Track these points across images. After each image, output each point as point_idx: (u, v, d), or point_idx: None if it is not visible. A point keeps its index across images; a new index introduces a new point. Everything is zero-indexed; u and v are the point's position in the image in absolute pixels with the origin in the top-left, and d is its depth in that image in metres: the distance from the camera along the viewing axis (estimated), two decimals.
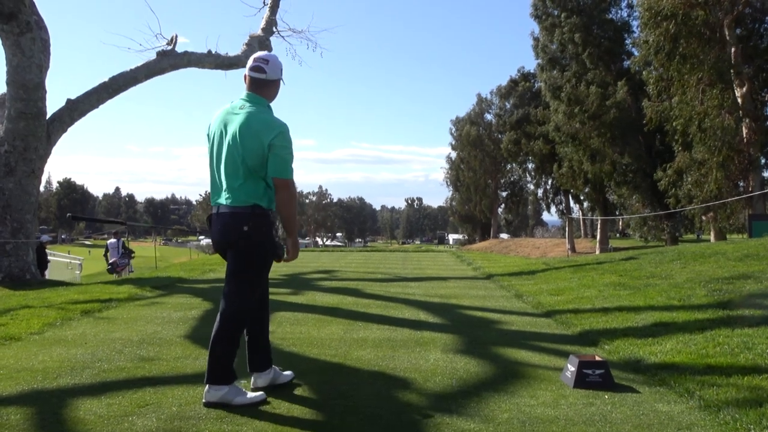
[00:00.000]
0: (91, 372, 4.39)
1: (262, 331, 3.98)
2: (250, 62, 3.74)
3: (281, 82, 3.82)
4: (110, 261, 19.06)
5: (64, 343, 5.40)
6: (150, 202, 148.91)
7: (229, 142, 3.62)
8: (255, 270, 3.72)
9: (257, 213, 3.61)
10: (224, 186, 3.65)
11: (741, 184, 25.22)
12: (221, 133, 3.69)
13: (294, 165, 3.71)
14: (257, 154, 3.55)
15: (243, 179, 3.59)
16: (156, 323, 6.39)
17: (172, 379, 4.24)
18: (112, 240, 19.58)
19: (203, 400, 3.63)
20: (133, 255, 20.02)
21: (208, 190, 3.86)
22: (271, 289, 9.74)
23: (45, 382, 4.14)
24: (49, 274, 17.56)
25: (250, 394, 3.71)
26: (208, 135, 3.81)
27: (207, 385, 3.62)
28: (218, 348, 3.63)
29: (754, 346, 4.68)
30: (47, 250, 17.89)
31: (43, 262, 17.10)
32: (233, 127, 3.62)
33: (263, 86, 3.73)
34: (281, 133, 3.59)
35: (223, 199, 3.65)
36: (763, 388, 3.76)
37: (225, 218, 3.65)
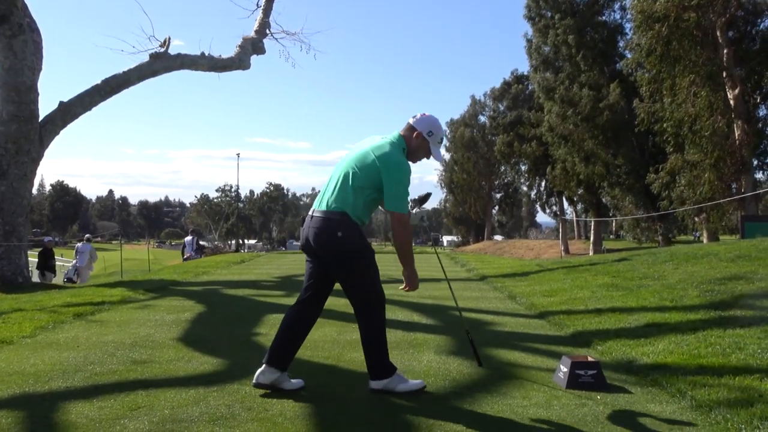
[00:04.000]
0: (83, 375, 4.38)
1: (301, 333, 4.04)
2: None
3: (425, 139, 3.95)
4: (185, 257, 20.87)
5: (56, 347, 5.37)
6: (143, 205, 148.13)
7: (352, 161, 3.86)
8: (363, 270, 3.89)
9: (346, 221, 3.76)
10: (329, 193, 3.86)
11: (734, 185, 25.33)
12: (355, 151, 3.94)
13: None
14: (369, 177, 3.77)
15: (347, 192, 3.79)
16: (149, 326, 6.36)
17: (165, 382, 4.22)
18: (188, 237, 22.28)
19: (369, 389, 3.91)
20: (204, 251, 22.37)
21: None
22: (263, 292, 9.73)
23: (36, 385, 4.12)
24: (55, 279, 17.56)
25: (412, 382, 3.95)
26: None
27: (371, 380, 3.91)
28: (372, 348, 3.91)
29: (745, 347, 4.71)
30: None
31: (49, 265, 17.05)
32: (364, 151, 3.87)
33: (409, 130, 3.96)
34: (400, 168, 3.78)
35: (322, 204, 3.86)
36: (754, 388, 3.78)
37: (318, 222, 3.82)
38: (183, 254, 21.55)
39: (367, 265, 3.89)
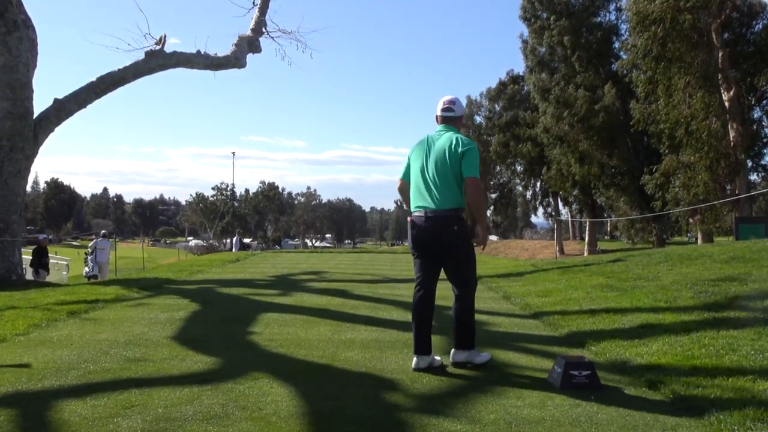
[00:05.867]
0: (76, 373, 4.36)
1: (431, 315, 4.66)
2: (440, 106, 4.76)
3: (461, 118, 4.82)
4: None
5: (50, 344, 5.36)
6: (138, 203, 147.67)
7: (437, 159, 4.51)
8: (470, 258, 4.62)
9: (459, 216, 4.49)
10: (433, 194, 4.47)
11: (728, 187, 25.39)
12: (426, 153, 4.59)
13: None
14: (458, 162, 4.44)
15: (449, 188, 4.45)
16: (143, 324, 6.35)
17: (159, 381, 4.21)
18: (235, 238, 27.83)
19: (452, 361, 4.61)
20: (249, 248, 27.59)
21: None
22: (259, 291, 9.73)
23: (30, 383, 4.11)
24: (49, 276, 17.54)
25: (483, 354, 4.69)
26: (409, 156, 4.74)
27: (453, 350, 4.65)
28: (465, 323, 4.62)
29: (738, 348, 4.72)
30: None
31: (43, 263, 17.01)
32: (439, 147, 4.54)
33: (453, 121, 4.73)
34: (472, 146, 4.52)
35: (433, 204, 4.46)
36: (748, 389, 3.79)
37: (438, 220, 4.44)
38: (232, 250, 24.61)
39: (471, 253, 4.62)
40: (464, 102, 61.40)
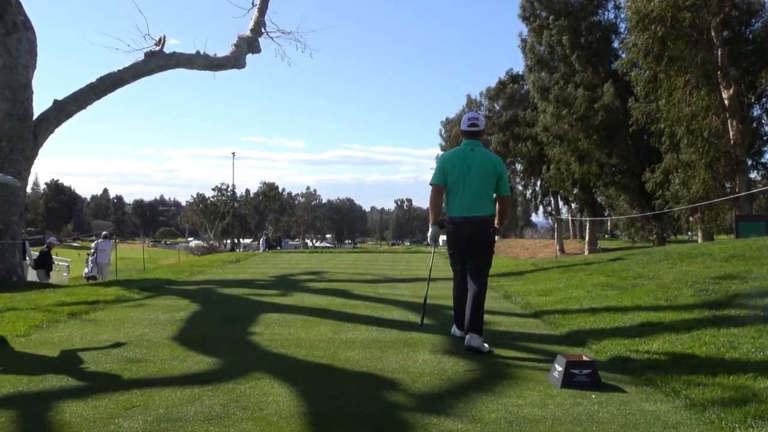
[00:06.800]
0: (77, 374, 4.36)
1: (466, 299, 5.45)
2: (465, 122, 5.54)
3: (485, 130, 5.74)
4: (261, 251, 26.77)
5: (51, 346, 5.36)
6: (138, 204, 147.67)
7: (480, 175, 5.35)
8: (492, 256, 5.50)
9: (493, 221, 5.44)
10: (476, 203, 5.33)
11: (728, 185, 25.38)
12: (465, 166, 5.36)
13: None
14: (495, 179, 5.40)
15: (489, 199, 5.40)
16: (143, 325, 6.35)
17: (159, 381, 4.21)
18: (262, 239, 33.16)
19: (468, 345, 5.11)
20: (276, 248, 31.52)
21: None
22: (260, 291, 9.74)
23: (31, 384, 4.10)
24: (52, 277, 17.60)
25: (486, 345, 5.21)
26: (444, 167, 5.45)
27: (469, 335, 5.16)
28: (480, 312, 5.20)
29: (739, 346, 4.72)
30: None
31: (47, 264, 17.03)
32: (479, 164, 5.38)
33: (478, 134, 5.53)
34: (504, 165, 5.54)
35: (476, 211, 5.32)
36: (748, 387, 3.79)
37: (480, 226, 5.36)
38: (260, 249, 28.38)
39: (493, 251, 5.54)
40: (464, 101, 61.44)
